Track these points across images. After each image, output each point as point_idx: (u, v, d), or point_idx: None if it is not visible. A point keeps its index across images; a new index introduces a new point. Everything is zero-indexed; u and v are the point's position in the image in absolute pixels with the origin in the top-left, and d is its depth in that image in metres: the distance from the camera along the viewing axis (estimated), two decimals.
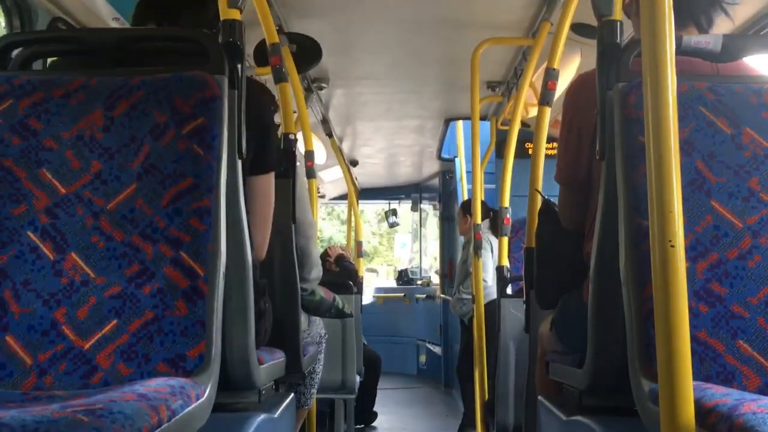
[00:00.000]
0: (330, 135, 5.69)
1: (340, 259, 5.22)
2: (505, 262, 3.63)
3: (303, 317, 2.72)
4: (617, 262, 1.41)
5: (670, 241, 0.97)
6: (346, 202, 7.42)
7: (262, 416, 1.61)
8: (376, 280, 13.77)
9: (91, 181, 1.38)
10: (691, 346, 0.98)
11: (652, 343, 1.01)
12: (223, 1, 1.72)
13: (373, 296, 9.59)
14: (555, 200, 2.09)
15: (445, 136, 6.51)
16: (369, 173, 8.30)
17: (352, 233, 6.76)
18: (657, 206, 0.99)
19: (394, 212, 9.58)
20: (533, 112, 4.23)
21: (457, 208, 6.11)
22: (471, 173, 4.20)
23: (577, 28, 3.25)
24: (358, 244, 6.01)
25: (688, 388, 0.96)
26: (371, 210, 14.83)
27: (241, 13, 1.77)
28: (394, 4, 3.50)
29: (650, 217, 1.00)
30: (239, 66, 1.54)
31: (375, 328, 8.50)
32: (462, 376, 5.31)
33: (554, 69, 2.87)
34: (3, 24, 2.33)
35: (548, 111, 2.91)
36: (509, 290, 3.63)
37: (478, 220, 3.99)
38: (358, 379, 4.45)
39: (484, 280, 4.25)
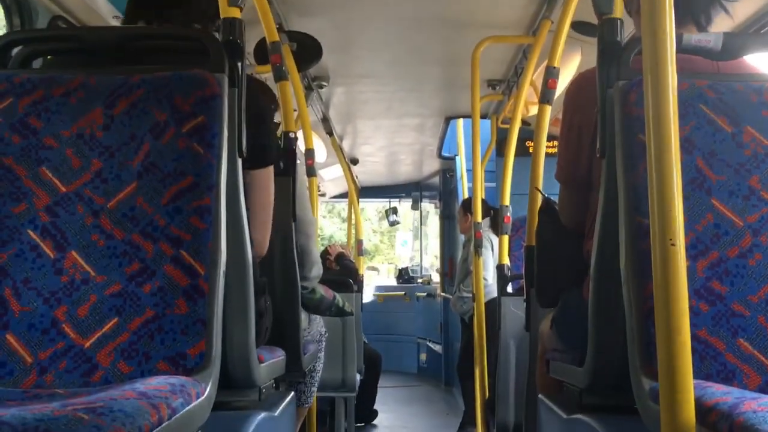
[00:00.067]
0: (330, 133, 5.69)
1: (341, 257, 5.22)
2: (506, 261, 3.63)
3: (303, 315, 2.72)
4: (617, 261, 1.41)
5: (671, 239, 0.97)
6: (347, 200, 7.42)
7: (263, 414, 1.61)
8: (377, 278, 13.78)
9: (92, 180, 1.38)
10: (692, 345, 0.98)
11: (653, 341, 1.01)
12: (223, 0, 1.72)
13: (374, 294, 9.60)
14: (555, 198, 2.09)
15: (446, 135, 6.51)
16: (369, 171, 8.30)
17: (353, 231, 6.76)
18: (657, 204, 0.98)
19: (394, 211, 9.59)
20: (534, 110, 4.22)
21: (458, 206, 6.11)
22: (471, 171, 4.19)
23: (578, 27, 3.25)
24: (359, 242, 6.01)
25: (688, 386, 0.96)
26: (372, 208, 14.85)
27: (241, 11, 1.77)
28: (395, 2, 3.50)
29: (651, 215, 1.00)
30: (239, 64, 1.54)
31: (375, 327, 8.51)
32: (462, 375, 5.32)
33: (555, 67, 2.87)
34: (3, 22, 2.33)
35: (549, 109, 2.91)
36: (510, 288, 3.63)
37: (479, 219, 3.99)
38: (358, 377, 4.45)
39: (485, 279, 4.24)
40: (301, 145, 3.60)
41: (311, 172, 3.41)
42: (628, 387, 1.32)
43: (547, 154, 2.88)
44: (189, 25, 1.73)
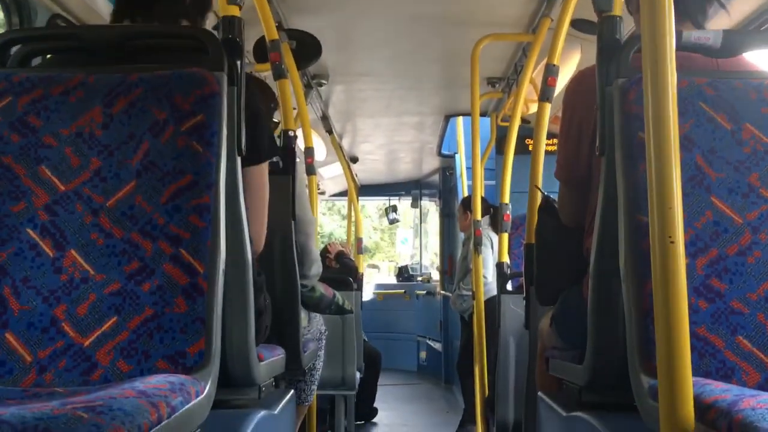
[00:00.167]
0: (330, 131, 5.69)
1: (340, 255, 5.22)
2: (505, 259, 3.63)
3: (303, 314, 2.72)
4: (617, 259, 1.41)
5: (670, 237, 0.97)
6: (346, 198, 7.42)
7: (262, 413, 1.61)
8: (377, 276, 13.77)
9: (91, 179, 1.38)
10: (691, 342, 0.98)
11: (652, 339, 1.01)
12: None
13: (373, 293, 9.60)
14: (555, 196, 2.09)
15: (445, 133, 6.51)
16: (369, 170, 8.30)
17: (352, 229, 6.76)
18: (657, 202, 0.98)
19: (394, 209, 9.59)
20: (533, 108, 4.22)
21: (457, 204, 6.11)
22: (471, 169, 4.19)
23: (577, 24, 3.25)
24: (358, 240, 6.01)
25: (687, 384, 0.96)
26: (372, 205, 14.83)
27: (240, 9, 1.77)
28: (394, 0, 3.49)
29: (650, 213, 1.00)
30: (238, 63, 1.54)
31: (375, 325, 8.51)
32: (462, 373, 5.32)
33: (554, 65, 2.87)
34: (2, 21, 2.33)
35: (548, 107, 2.90)
36: (509, 286, 3.63)
37: (478, 217, 3.99)
38: (358, 375, 4.45)
39: (485, 277, 4.25)
40: (300, 144, 3.60)
41: (311, 170, 3.41)
42: (627, 384, 1.32)
43: (547, 152, 2.88)
44: (176, 21, 1.70)
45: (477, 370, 4.11)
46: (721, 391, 1.04)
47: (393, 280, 10.83)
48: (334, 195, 9.68)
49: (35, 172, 1.39)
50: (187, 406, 1.09)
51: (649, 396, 1.21)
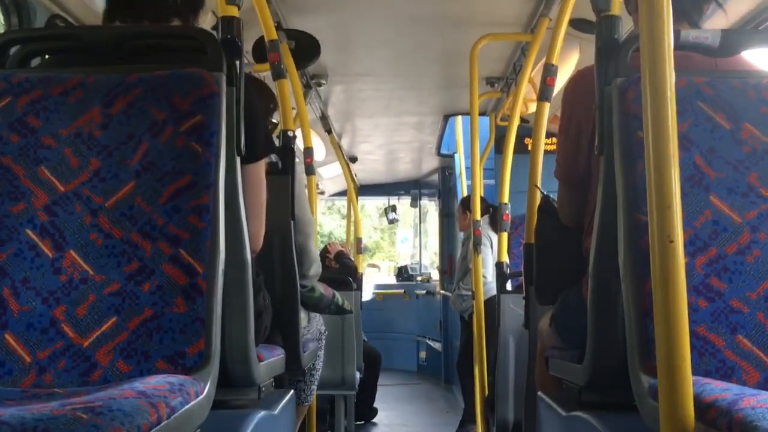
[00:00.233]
0: (329, 131, 5.69)
1: (340, 255, 5.22)
2: (505, 258, 3.63)
3: (303, 314, 2.72)
4: (616, 258, 1.41)
5: (669, 236, 0.97)
6: (346, 198, 7.42)
7: (262, 413, 1.61)
8: (377, 276, 13.76)
9: (90, 179, 1.38)
10: (691, 342, 0.98)
11: (652, 338, 1.01)
12: None
13: (373, 292, 9.60)
14: (554, 196, 2.10)
15: (444, 132, 6.51)
16: (368, 170, 8.30)
17: (352, 229, 6.76)
18: (656, 201, 0.98)
19: (393, 208, 9.59)
20: (532, 107, 4.22)
21: (457, 204, 6.11)
22: (470, 169, 4.19)
23: (576, 24, 3.25)
24: (358, 240, 6.01)
25: (687, 383, 0.96)
26: (372, 205, 14.81)
27: (239, 9, 1.76)
28: (393, 0, 3.49)
29: (649, 212, 1.00)
30: (237, 63, 1.54)
31: (375, 325, 8.51)
32: (462, 372, 5.32)
33: (553, 64, 2.87)
34: (1, 21, 2.32)
35: (547, 107, 2.90)
36: (509, 286, 3.63)
37: (478, 216, 3.99)
38: (358, 375, 4.45)
39: (484, 276, 4.25)
40: (299, 144, 3.60)
41: (310, 170, 3.41)
42: (627, 384, 1.32)
43: (546, 152, 2.88)
44: (167, 20, 1.69)
45: (477, 370, 4.11)
46: (721, 390, 1.04)
47: (393, 280, 10.83)
48: (334, 195, 9.69)
49: (34, 173, 1.38)
50: (186, 407, 1.09)
51: (649, 395, 1.21)
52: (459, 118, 5.99)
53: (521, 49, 4.11)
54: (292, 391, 1.98)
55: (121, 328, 1.29)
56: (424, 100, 5.47)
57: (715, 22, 1.72)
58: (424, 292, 9.01)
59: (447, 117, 5.94)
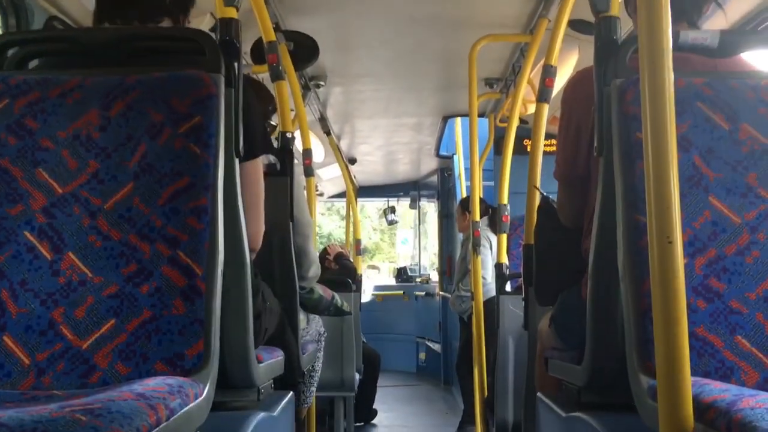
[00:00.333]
0: (328, 133, 5.69)
1: (339, 257, 5.23)
2: (504, 259, 3.63)
3: (302, 315, 2.72)
4: (616, 259, 1.41)
5: (668, 237, 0.97)
6: (345, 200, 7.42)
7: (261, 415, 1.61)
8: (377, 277, 13.75)
9: (88, 181, 1.38)
10: (690, 342, 0.98)
11: (651, 339, 1.01)
12: (219, 0, 1.71)
13: (372, 294, 9.60)
14: (553, 197, 2.10)
15: (444, 134, 6.51)
16: (367, 171, 8.30)
17: (351, 231, 6.76)
18: (655, 202, 0.98)
19: (392, 210, 9.59)
20: (531, 108, 4.22)
21: (456, 205, 6.12)
22: (469, 170, 4.19)
23: (575, 25, 3.25)
24: (357, 242, 6.01)
25: (686, 384, 0.96)
26: (372, 206, 14.82)
27: (237, 11, 1.76)
28: (392, 1, 3.50)
29: (648, 213, 1.00)
30: (236, 64, 1.53)
31: (374, 326, 8.51)
32: (461, 373, 5.32)
33: (552, 66, 2.87)
34: None
35: (546, 108, 2.90)
36: (508, 287, 3.63)
37: (477, 218, 3.99)
38: (357, 376, 4.45)
39: (483, 278, 4.25)
40: (298, 145, 3.60)
41: (309, 172, 3.41)
42: (626, 385, 1.32)
43: (545, 153, 2.89)
44: (156, 20, 1.68)
45: (476, 371, 4.11)
46: (720, 390, 1.04)
47: (392, 281, 10.83)
48: (333, 196, 9.68)
49: (32, 175, 1.38)
50: (185, 409, 1.09)
51: (649, 396, 1.21)
52: (458, 119, 5.99)
53: (520, 50, 4.12)
54: (291, 393, 1.98)
55: (120, 330, 1.29)
56: (423, 102, 5.48)
57: (715, 22, 1.72)
58: (423, 293, 9.00)
59: (446, 118, 5.94)
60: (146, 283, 1.31)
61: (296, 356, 2.25)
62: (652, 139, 0.99)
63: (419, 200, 9.88)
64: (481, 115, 5.06)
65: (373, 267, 15.48)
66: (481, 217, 4.14)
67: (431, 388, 8.00)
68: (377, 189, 9.57)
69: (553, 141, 3.38)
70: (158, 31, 1.65)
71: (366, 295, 8.90)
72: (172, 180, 1.37)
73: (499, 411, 3.54)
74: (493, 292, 3.92)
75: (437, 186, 8.90)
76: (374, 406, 5.95)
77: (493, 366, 3.68)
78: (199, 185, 1.36)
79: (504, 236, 3.65)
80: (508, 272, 3.63)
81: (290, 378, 2.21)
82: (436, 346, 8.39)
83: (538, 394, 2.00)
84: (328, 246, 5.44)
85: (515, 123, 3.65)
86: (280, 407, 1.79)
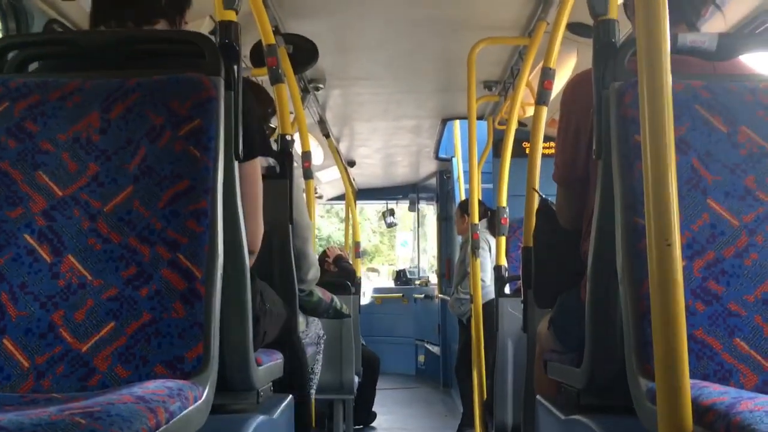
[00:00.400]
0: (327, 136, 5.69)
1: (339, 259, 5.23)
2: (503, 262, 3.64)
3: (301, 318, 2.72)
4: (614, 261, 1.41)
5: (667, 239, 0.97)
6: (344, 202, 7.42)
7: (261, 417, 1.61)
8: (376, 280, 13.72)
9: (88, 184, 1.38)
10: (688, 345, 0.98)
11: (650, 341, 1.02)
12: (219, 3, 1.71)
13: (372, 296, 9.60)
14: (552, 199, 2.10)
15: (442, 136, 6.52)
16: (366, 174, 8.30)
17: (350, 233, 6.76)
18: (653, 205, 0.99)
19: (391, 212, 9.60)
20: (530, 111, 4.23)
21: (455, 207, 6.12)
22: (468, 173, 4.20)
23: (573, 28, 3.26)
24: (356, 244, 6.01)
25: (685, 386, 0.96)
26: (372, 208, 14.82)
27: (237, 14, 1.76)
28: (391, 4, 3.50)
29: (646, 215, 1.00)
30: (235, 67, 1.54)
31: (373, 329, 8.51)
32: (460, 376, 5.32)
33: (551, 68, 2.88)
34: None
35: (545, 110, 2.91)
36: (507, 290, 3.63)
37: (476, 220, 4.00)
38: (356, 379, 4.45)
39: (483, 280, 4.25)
40: (297, 148, 3.61)
41: (308, 174, 3.42)
42: (625, 387, 1.32)
43: (544, 155, 2.89)
44: (151, 22, 1.67)
45: (475, 374, 4.11)
46: (719, 393, 1.04)
47: (391, 284, 10.83)
48: (332, 199, 9.69)
49: (32, 178, 1.38)
50: (185, 412, 1.09)
51: (648, 399, 1.21)
52: (457, 121, 5.99)
53: (519, 53, 4.12)
54: (290, 396, 1.98)
55: (120, 333, 1.29)
56: (422, 104, 5.48)
57: (714, 25, 1.73)
58: (422, 295, 9.00)
59: (445, 121, 5.95)
60: (146, 286, 1.31)
61: (304, 360, 2.26)
62: (651, 141, 0.99)
63: (418, 203, 9.89)
64: (479, 118, 5.06)
65: (373, 270, 15.45)
66: (480, 220, 4.14)
67: (430, 391, 8.00)
68: (376, 191, 9.58)
69: (552, 143, 3.39)
70: (158, 33, 1.65)
71: (365, 298, 8.90)
72: (172, 183, 1.37)
73: (498, 414, 3.54)
74: (492, 295, 3.93)
75: (436, 189, 8.90)
76: (373, 409, 5.95)
77: (492, 369, 3.68)
78: (198, 188, 1.36)
79: (503, 239, 3.65)
80: (507, 275, 3.64)
81: (299, 379, 2.21)
82: (435, 349, 8.39)
83: (537, 396, 2.00)
84: (328, 248, 5.44)
85: (514, 126, 3.65)
86: (279, 410, 1.79)
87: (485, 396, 4.00)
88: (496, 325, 3.52)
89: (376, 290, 10.07)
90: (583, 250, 1.81)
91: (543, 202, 2.19)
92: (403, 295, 9.38)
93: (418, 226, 10.89)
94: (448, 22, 3.72)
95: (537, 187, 2.75)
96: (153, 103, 1.42)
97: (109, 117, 1.42)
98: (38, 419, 0.85)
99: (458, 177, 6.53)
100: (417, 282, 9.74)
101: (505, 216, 3.63)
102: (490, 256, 4.69)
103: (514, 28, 3.75)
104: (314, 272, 2.65)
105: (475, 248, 4.01)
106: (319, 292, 2.83)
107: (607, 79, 1.53)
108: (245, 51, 3.46)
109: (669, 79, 0.99)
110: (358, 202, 8.05)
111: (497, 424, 3.54)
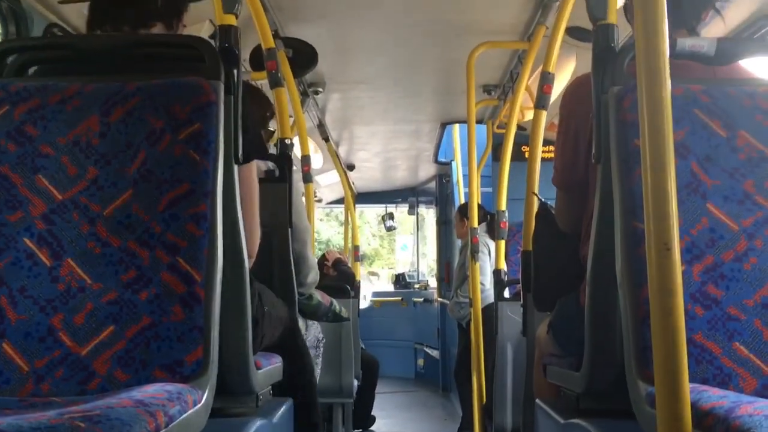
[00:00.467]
0: (326, 139, 5.69)
1: (338, 263, 5.23)
2: (503, 266, 3.64)
3: (300, 321, 2.72)
4: (614, 265, 1.41)
5: (666, 243, 0.97)
6: (343, 206, 7.42)
7: (260, 421, 1.61)
8: (377, 284, 13.71)
9: (88, 187, 1.38)
10: (688, 349, 0.98)
11: (649, 345, 1.02)
12: (218, 7, 1.71)
13: (371, 300, 9.60)
14: (552, 203, 2.10)
15: (442, 140, 6.52)
16: (366, 177, 8.30)
17: (350, 237, 6.76)
18: (653, 209, 0.99)
19: (390, 216, 9.60)
20: (529, 115, 4.23)
21: (454, 211, 6.12)
22: (467, 177, 4.20)
23: (572, 32, 3.26)
24: (355, 248, 6.01)
25: (685, 390, 0.96)
26: (371, 211, 14.83)
27: (236, 18, 1.77)
28: (390, 8, 3.51)
29: (646, 220, 1.00)
30: (235, 71, 1.54)
31: (373, 332, 8.51)
32: (460, 380, 5.31)
33: (550, 72, 2.88)
34: None
35: (544, 114, 2.91)
36: (507, 293, 3.63)
37: (475, 224, 4.00)
38: (355, 383, 4.44)
39: (482, 284, 4.25)
40: (297, 152, 3.61)
41: (308, 178, 3.42)
42: (624, 391, 1.32)
43: (543, 159, 2.89)
44: (148, 25, 1.68)
45: (475, 378, 4.11)
46: (718, 397, 1.04)
47: (390, 288, 10.83)
48: (331, 203, 9.69)
49: (32, 182, 1.38)
50: (184, 415, 1.09)
51: (647, 403, 1.21)
52: (456, 125, 6.00)
53: (518, 57, 4.13)
54: (290, 399, 1.98)
55: (119, 337, 1.29)
56: (421, 108, 5.49)
57: (713, 29, 1.73)
58: (421, 299, 9.00)
59: (444, 125, 5.95)
60: (145, 290, 1.31)
61: (308, 361, 2.25)
62: (650, 146, 0.99)
63: (417, 206, 9.89)
64: (479, 122, 5.07)
65: (373, 273, 15.45)
66: (479, 224, 4.14)
67: (429, 395, 7.99)
68: (375, 195, 9.58)
69: (551, 147, 3.39)
70: (159, 38, 1.66)
71: (364, 301, 8.89)
72: (172, 186, 1.37)
73: (498, 417, 3.53)
74: (491, 299, 3.93)
75: (435, 192, 8.91)
76: (372, 413, 5.94)
77: (491, 372, 3.68)
78: (198, 192, 1.36)
79: (502, 242, 3.65)
80: (506, 278, 3.64)
81: (303, 381, 2.21)
82: (435, 353, 8.38)
83: (537, 400, 2.00)
84: (327, 252, 5.44)
85: (513, 129, 3.65)
86: (279, 414, 1.79)
87: (484, 400, 4.00)
88: (495, 328, 3.52)
89: (376, 294, 10.08)
90: (582, 254, 1.81)
91: (542, 205, 2.19)
92: (402, 299, 9.38)
93: (418, 230, 10.90)
94: (448, 26, 3.73)
95: (536, 190, 2.75)
96: (153, 106, 1.42)
97: (109, 121, 1.42)
98: (37, 423, 0.85)
99: (458, 181, 6.54)
100: (416, 285, 9.74)
101: (504, 220, 3.63)
102: (490, 259, 4.70)
103: (513, 33, 3.76)
104: (313, 276, 2.65)
105: (475, 252, 4.01)
106: (319, 296, 2.83)
107: (607, 83, 1.53)
108: (244, 55, 3.46)
109: (668, 83, 0.99)
110: (357, 205, 8.05)
111: (496, 428, 3.53)
